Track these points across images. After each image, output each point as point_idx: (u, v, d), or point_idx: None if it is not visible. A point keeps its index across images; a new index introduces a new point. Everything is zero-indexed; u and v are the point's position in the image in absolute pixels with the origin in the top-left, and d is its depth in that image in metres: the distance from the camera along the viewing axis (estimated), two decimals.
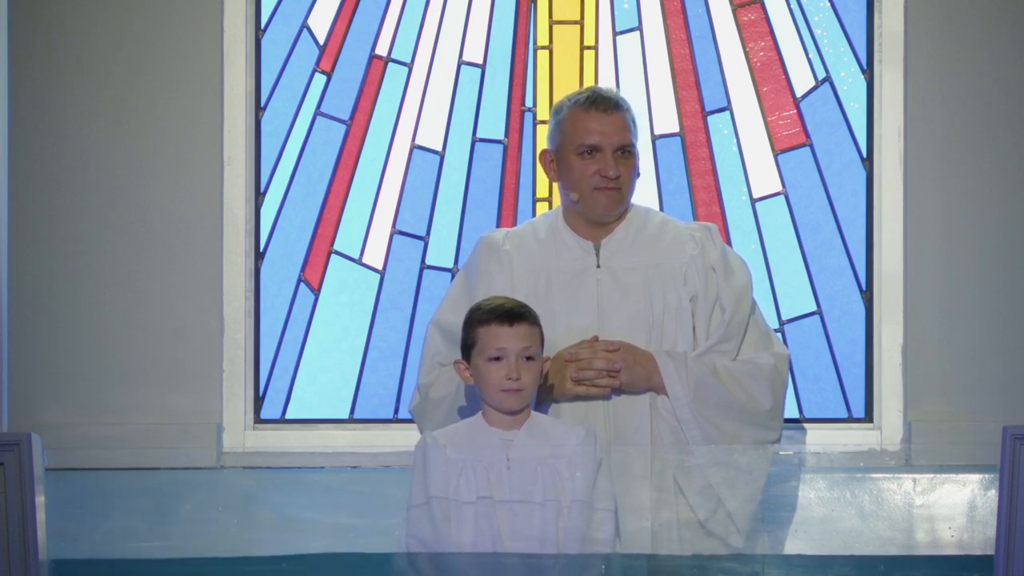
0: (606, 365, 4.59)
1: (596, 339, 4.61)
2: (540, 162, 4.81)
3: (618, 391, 4.61)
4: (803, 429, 5.67)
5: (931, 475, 4.44)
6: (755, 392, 4.65)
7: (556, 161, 4.73)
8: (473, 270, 4.76)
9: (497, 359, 4.31)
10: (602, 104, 4.69)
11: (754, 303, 4.78)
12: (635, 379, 4.61)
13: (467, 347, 4.37)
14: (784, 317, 5.74)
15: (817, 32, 5.76)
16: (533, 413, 4.38)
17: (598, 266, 4.72)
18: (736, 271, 4.76)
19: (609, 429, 4.59)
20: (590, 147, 4.68)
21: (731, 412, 4.62)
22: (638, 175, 4.76)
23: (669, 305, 4.68)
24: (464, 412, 4.60)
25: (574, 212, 4.74)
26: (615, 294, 4.68)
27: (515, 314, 4.34)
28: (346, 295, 5.77)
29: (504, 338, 4.31)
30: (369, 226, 5.77)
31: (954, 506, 4.38)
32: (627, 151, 4.69)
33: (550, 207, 5.71)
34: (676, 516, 4.47)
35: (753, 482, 4.53)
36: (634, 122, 4.73)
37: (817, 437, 5.66)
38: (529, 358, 4.33)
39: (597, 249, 4.73)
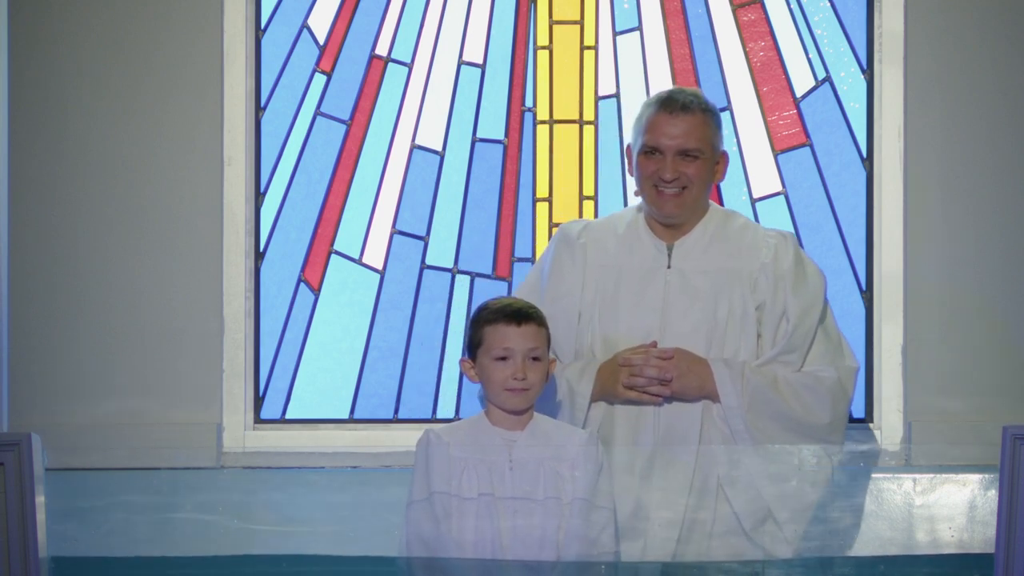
0: (657, 374, 4.55)
1: (654, 345, 4.59)
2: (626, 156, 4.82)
3: (669, 399, 4.59)
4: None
5: (931, 475, 4.44)
6: (813, 405, 4.60)
7: (632, 157, 4.74)
8: (546, 261, 4.78)
9: (503, 359, 4.31)
10: (670, 106, 4.67)
11: (828, 314, 4.72)
12: (687, 388, 4.58)
13: (473, 346, 4.37)
14: None
15: (817, 32, 5.76)
16: (536, 415, 4.38)
17: (669, 267, 4.70)
18: (809, 281, 4.71)
19: (657, 432, 4.57)
20: (652, 148, 4.67)
21: (787, 424, 4.57)
22: (715, 180, 4.73)
23: (734, 311, 4.64)
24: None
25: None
26: (682, 296, 4.65)
27: (523, 314, 4.34)
28: (346, 295, 5.76)
29: (511, 338, 4.32)
30: (369, 226, 5.77)
31: (954, 506, 4.38)
32: (690, 155, 4.67)
33: (550, 207, 5.71)
34: (712, 520, 4.44)
35: (807, 495, 4.47)
36: (710, 125, 4.68)
37: None
38: (535, 358, 4.33)
39: (670, 250, 4.71)
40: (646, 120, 4.70)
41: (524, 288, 4.81)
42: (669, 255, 4.70)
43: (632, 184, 4.80)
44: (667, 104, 4.69)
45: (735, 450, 4.56)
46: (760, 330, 4.66)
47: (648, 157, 4.68)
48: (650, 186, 4.68)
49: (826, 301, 4.76)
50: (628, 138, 4.86)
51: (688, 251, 4.70)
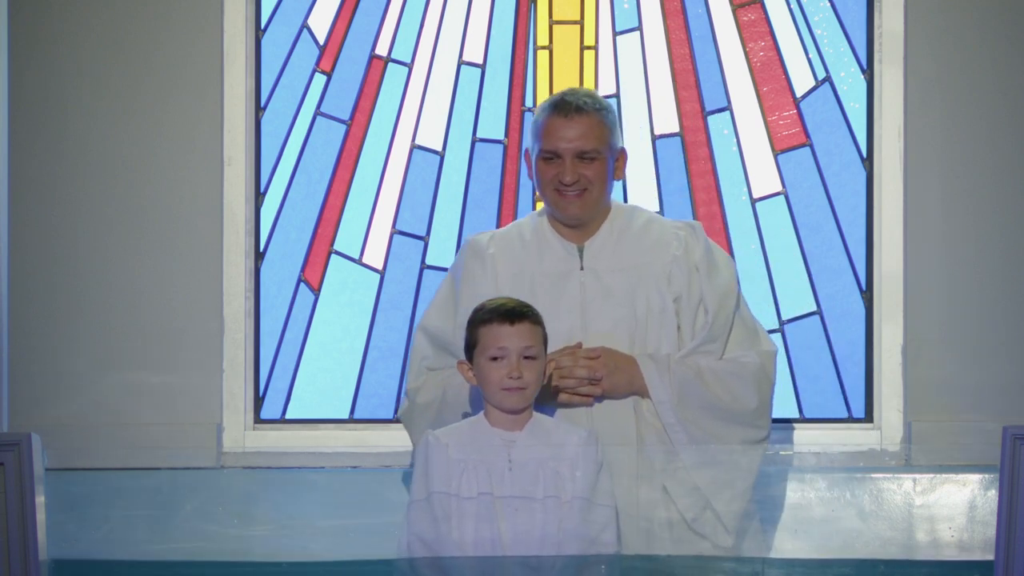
0: (587, 373, 4.55)
1: (580, 346, 4.59)
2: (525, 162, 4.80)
3: (600, 398, 4.59)
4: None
5: (931, 475, 4.44)
6: (739, 392, 4.61)
7: (531, 162, 4.72)
8: (458, 273, 4.74)
9: (498, 358, 4.31)
10: (563, 109, 4.63)
11: (741, 300, 4.73)
12: (617, 385, 4.58)
13: (470, 347, 4.37)
14: (784, 317, 5.74)
15: (817, 32, 5.77)
16: (535, 414, 4.38)
17: (582, 268, 4.69)
18: (721, 269, 4.71)
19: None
20: (550, 152, 4.65)
21: (716, 413, 4.59)
22: (615, 179, 4.70)
23: (653, 307, 4.65)
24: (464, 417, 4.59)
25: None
26: (598, 296, 4.65)
27: (517, 313, 4.34)
28: (346, 295, 5.77)
29: (505, 337, 4.31)
30: (369, 226, 5.77)
31: (954, 506, 4.39)
32: (588, 156, 4.65)
33: None
34: (666, 517, 4.46)
35: (740, 481, 4.52)
36: (606, 125, 4.65)
37: (817, 437, 5.66)
38: (531, 357, 4.32)
39: (581, 251, 4.70)
40: (541, 125, 4.66)
41: (437, 300, 4.77)
42: (580, 256, 4.69)
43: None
44: (561, 107, 4.65)
45: (671, 446, 4.58)
46: (679, 322, 4.66)
47: (547, 162, 4.65)
48: (551, 190, 4.65)
49: (738, 287, 4.76)
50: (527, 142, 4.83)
51: (598, 251, 4.69)
